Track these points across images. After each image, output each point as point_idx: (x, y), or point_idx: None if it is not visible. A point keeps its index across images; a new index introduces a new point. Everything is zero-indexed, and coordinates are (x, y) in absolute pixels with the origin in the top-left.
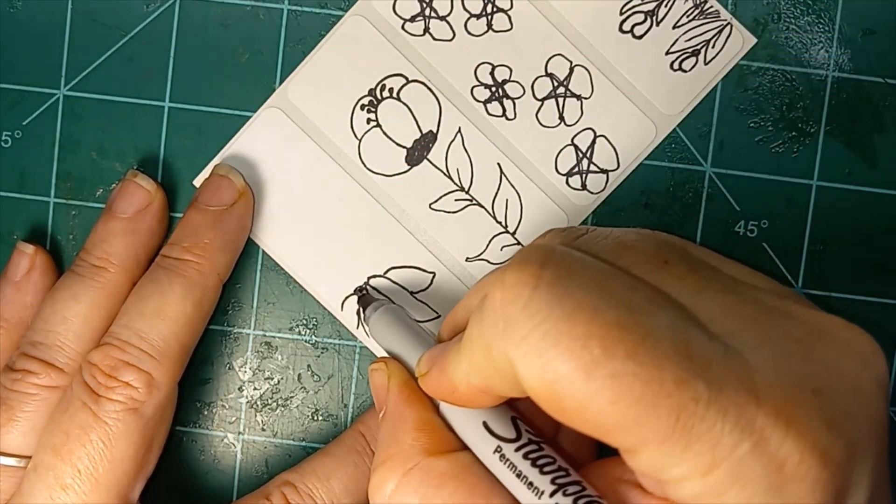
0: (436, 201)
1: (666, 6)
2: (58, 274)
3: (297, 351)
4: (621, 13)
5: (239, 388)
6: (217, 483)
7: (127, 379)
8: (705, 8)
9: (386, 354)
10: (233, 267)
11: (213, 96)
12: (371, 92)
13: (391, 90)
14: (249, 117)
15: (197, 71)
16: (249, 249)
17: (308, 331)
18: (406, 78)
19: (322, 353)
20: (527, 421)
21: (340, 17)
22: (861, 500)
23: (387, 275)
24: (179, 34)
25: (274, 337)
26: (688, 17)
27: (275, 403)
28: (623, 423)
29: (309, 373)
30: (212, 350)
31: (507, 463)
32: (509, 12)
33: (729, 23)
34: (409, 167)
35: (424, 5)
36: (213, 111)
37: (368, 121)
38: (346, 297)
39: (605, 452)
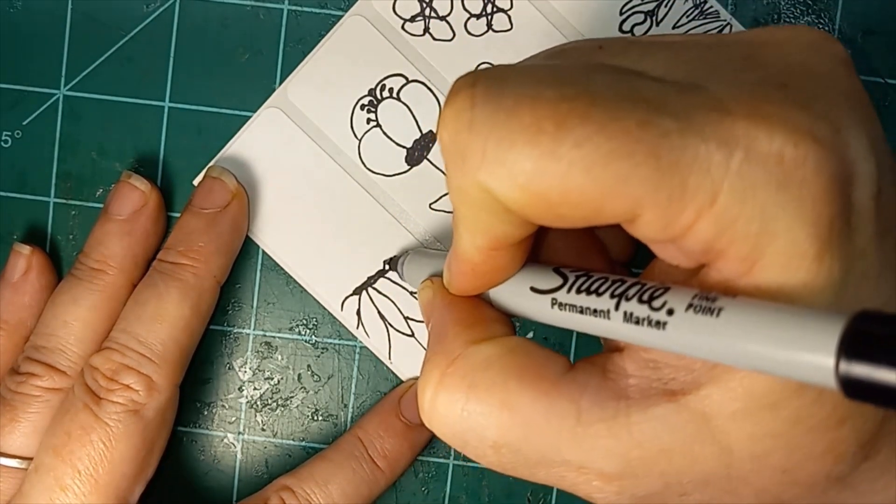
0: (436, 201)
1: (666, 6)
2: (56, 273)
3: (297, 351)
4: (621, 13)
5: (239, 388)
6: (217, 483)
7: (127, 382)
8: (705, 8)
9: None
10: (230, 268)
11: (213, 96)
12: (371, 92)
13: (391, 90)
14: (249, 117)
15: (197, 71)
16: (249, 249)
17: (308, 331)
18: (406, 78)
19: (322, 353)
20: (573, 265)
21: (340, 17)
22: (868, 164)
23: (387, 275)
24: (179, 34)
25: (274, 337)
26: (688, 17)
27: (275, 403)
28: (608, 188)
29: (309, 373)
30: (212, 350)
31: (566, 307)
32: (509, 12)
33: (729, 23)
34: (409, 167)
35: (424, 5)
36: (213, 111)
37: (368, 121)
38: (346, 297)
39: None
